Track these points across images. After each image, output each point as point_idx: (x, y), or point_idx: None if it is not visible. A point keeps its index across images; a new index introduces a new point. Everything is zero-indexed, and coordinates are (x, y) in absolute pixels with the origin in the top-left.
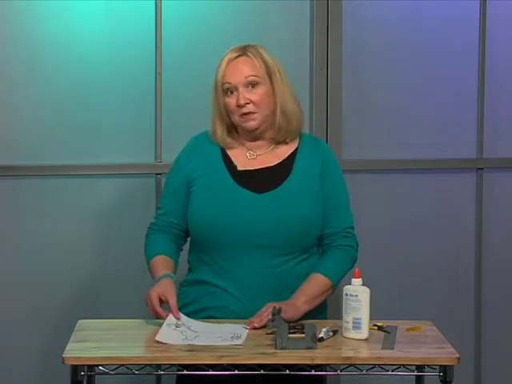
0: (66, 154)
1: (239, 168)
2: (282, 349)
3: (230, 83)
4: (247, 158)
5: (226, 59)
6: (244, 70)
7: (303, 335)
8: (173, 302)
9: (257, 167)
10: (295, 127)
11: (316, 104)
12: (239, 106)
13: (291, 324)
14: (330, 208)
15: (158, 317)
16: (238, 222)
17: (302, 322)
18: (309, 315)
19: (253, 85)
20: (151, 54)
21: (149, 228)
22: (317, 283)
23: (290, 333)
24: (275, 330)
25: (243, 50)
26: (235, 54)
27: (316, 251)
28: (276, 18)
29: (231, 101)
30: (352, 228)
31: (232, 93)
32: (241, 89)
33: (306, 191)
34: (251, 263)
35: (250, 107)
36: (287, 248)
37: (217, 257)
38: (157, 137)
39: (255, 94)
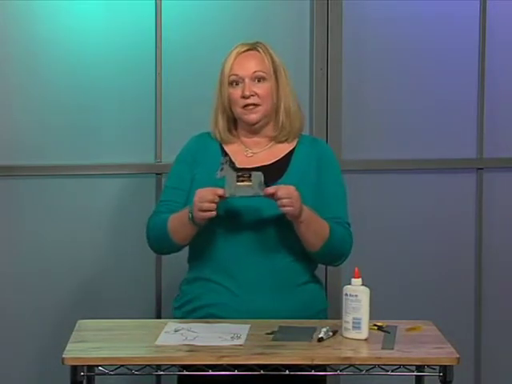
0: (66, 154)
1: (238, 166)
2: (230, 195)
3: (236, 75)
4: (245, 156)
5: (235, 52)
6: (252, 64)
7: (250, 183)
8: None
9: (255, 165)
10: (297, 128)
11: (316, 104)
12: (244, 97)
13: (239, 173)
14: (324, 202)
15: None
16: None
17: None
18: (308, 315)
19: (259, 79)
20: (151, 54)
21: (150, 218)
22: (321, 220)
23: (238, 181)
24: (224, 178)
25: (253, 45)
26: (244, 48)
27: None
28: (276, 18)
29: (236, 92)
30: (347, 224)
31: (237, 84)
32: (247, 81)
33: (302, 187)
34: (249, 260)
35: (254, 99)
36: (285, 244)
37: (215, 254)
38: (157, 137)
39: (260, 88)
